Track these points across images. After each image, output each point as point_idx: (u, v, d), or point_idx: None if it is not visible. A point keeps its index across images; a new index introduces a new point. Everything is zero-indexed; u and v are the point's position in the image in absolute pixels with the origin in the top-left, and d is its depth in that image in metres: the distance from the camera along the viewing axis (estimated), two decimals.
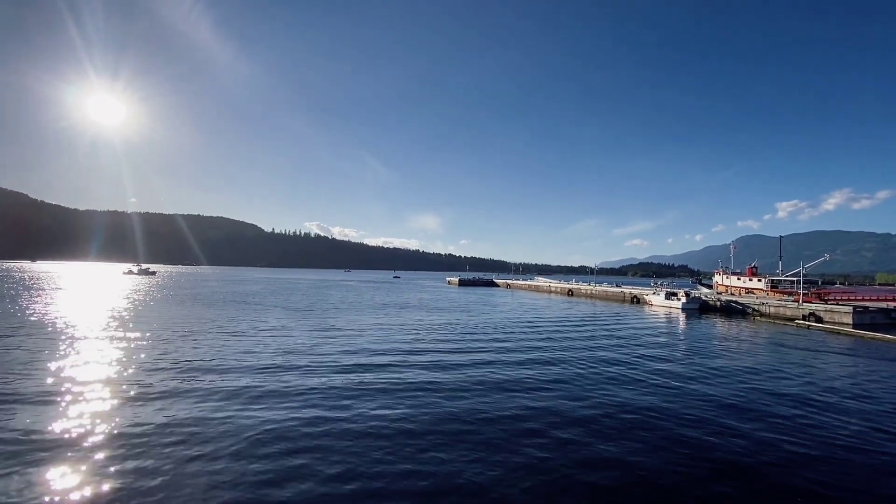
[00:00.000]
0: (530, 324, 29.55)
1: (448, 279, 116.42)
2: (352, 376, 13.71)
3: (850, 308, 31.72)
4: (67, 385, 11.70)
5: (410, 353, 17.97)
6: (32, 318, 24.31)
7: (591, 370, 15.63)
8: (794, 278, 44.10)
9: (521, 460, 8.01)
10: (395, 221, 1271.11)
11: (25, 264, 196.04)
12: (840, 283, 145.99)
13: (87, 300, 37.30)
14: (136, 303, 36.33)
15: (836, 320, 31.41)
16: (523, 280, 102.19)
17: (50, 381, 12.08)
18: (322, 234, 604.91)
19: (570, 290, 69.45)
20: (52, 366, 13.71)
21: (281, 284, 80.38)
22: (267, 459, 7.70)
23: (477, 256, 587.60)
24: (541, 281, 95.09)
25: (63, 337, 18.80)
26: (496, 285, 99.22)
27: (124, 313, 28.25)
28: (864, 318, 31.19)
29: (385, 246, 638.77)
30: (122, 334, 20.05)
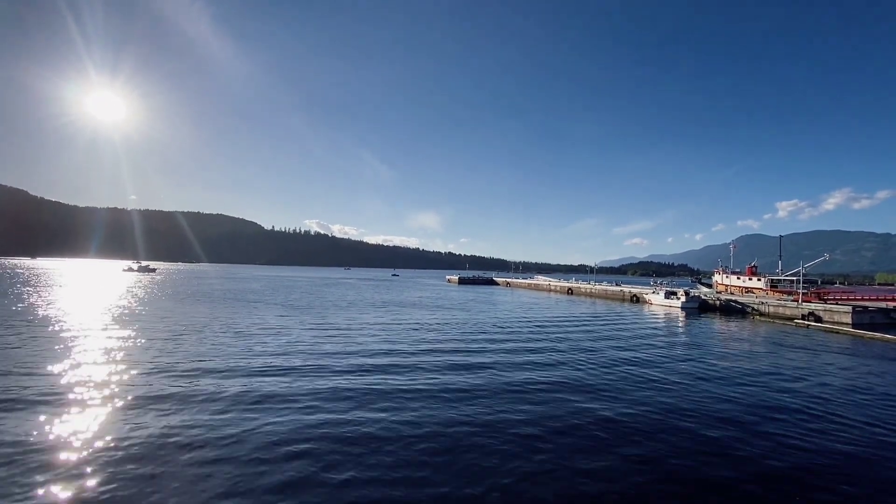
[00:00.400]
0: (531, 323, 29.56)
1: (448, 277, 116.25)
2: (353, 377, 13.68)
3: (850, 308, 31.76)
4: (67, 385, 11.69)
5: (412, 353, 17.95)
6: (32, 316, 24.30)
7: (595, 370, 15.65)
8: (794, 278, 44.18)
9: (531, 463, 7.97)
10: (394, 219, 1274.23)
11: (25, 261, 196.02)
12: (840, 283, 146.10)
13: (88, 297, 37.28)
14: (136, 300, 36.30)
15: (836, 320, 31.44)
16: (523, 279, 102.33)
17: (50, 380, 12.07)
18: (322, 232, 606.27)
19: (569, 288, 69.50)
20: (52, 365, 13.68)
21: (281, 282, 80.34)
22: (268, 464, 7.66)
23: (477, 255, 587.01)
24: (540, 279, 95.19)
25: (63, 335, 18.79)
26: (496, 284, 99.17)
27: (124, 311, 28.23)
28: (863, 318, 31.24)
29: (385, 244, 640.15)
30: (121, 333, 20.04)
